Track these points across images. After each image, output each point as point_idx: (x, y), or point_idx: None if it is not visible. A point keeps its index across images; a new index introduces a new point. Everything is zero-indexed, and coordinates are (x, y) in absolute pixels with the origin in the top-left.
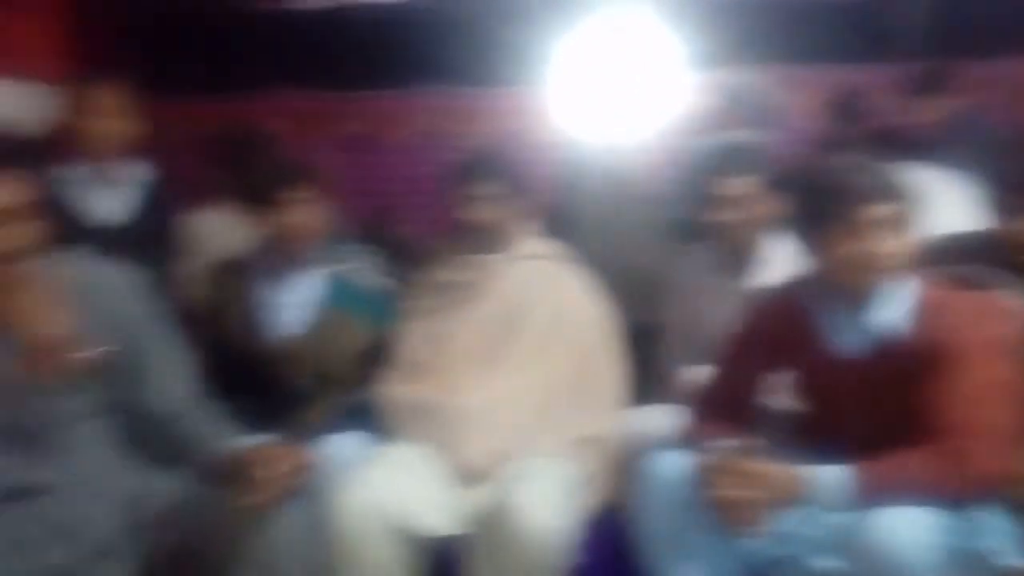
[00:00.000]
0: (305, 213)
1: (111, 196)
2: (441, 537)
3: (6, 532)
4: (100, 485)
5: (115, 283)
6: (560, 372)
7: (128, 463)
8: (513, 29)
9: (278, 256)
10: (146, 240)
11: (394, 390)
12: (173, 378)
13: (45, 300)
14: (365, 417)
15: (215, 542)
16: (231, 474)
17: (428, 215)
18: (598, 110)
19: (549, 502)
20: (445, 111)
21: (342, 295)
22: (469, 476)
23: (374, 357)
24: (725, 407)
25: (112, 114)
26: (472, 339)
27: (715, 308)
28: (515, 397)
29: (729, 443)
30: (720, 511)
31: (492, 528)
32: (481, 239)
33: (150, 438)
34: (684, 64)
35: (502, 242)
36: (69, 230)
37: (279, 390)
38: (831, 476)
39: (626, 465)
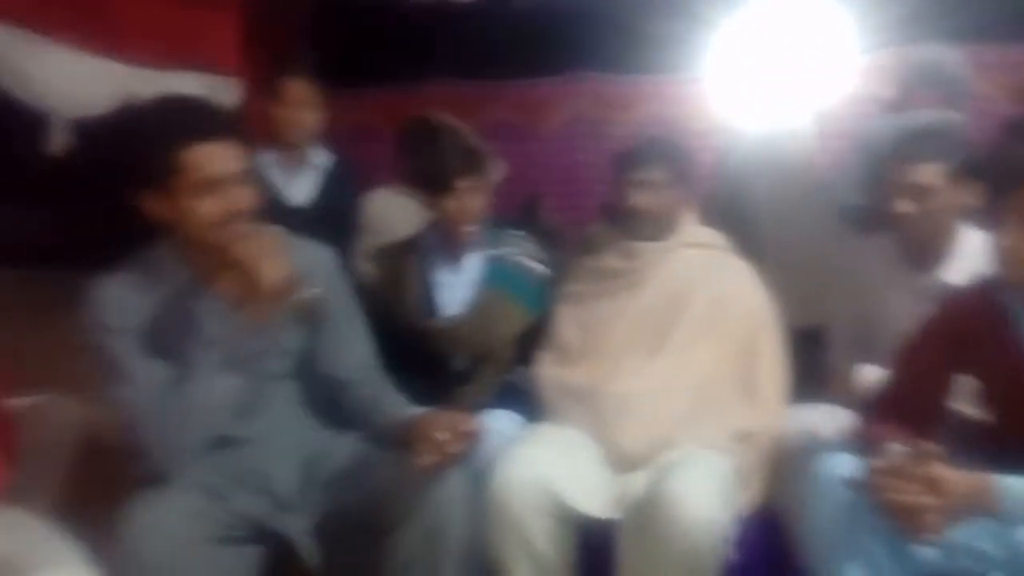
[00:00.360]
0: (475, 199)
1: (297, 180)
2: (594, 520)
3: (202, 478)
4: (287, 441)
5: (311, 257)
6: (719, 364)
7: (310, 424)
8: (669, 14)
9: (445, 238)
10: (328, 221)
11: (547, 372)
12: (354, 348)
13: (269, 247)
14: (519, 397)
15: (385, 503)
16: (403, 438)
17: (580, 203)
18: (763, 94)
19: (706, 494)
20: (598, 98)
21: (502, 278)
22: (623, 462)
23: (530, 339)
24: (903, 410)
25: (302, 104)
26: (629, 326)
27: (894, 305)
28: (672, 386)
29: (906, 447)
30: (894, 516)
31: (646, 516)
32: (643, 226)
33: (329, 403)
34: (855, 44)
35: (665, 229)
36: (263, 211)
37: (439, 368)
38: (1021, 489)
39: (785, 464)
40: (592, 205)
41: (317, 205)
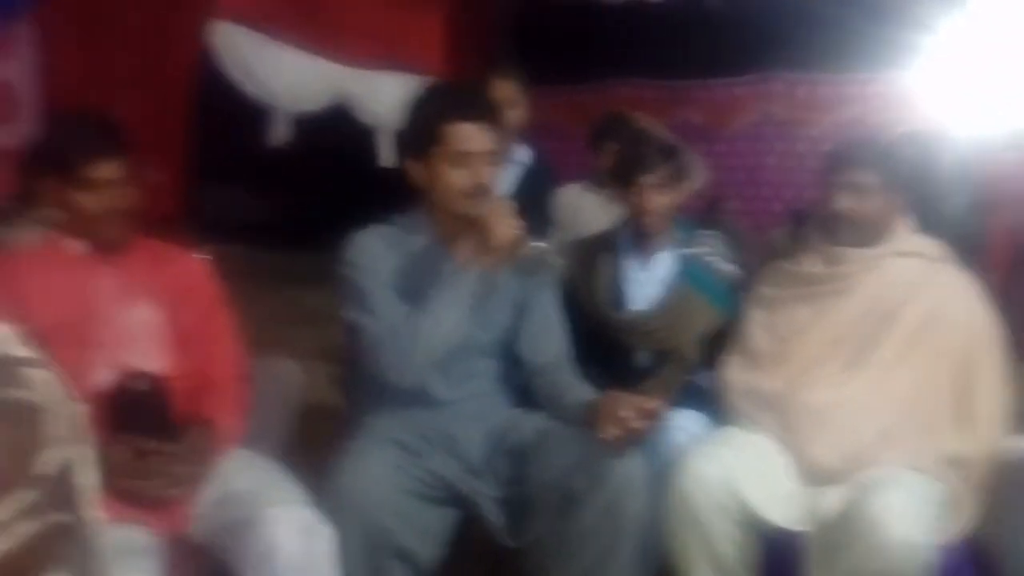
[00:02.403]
0: (662, 196)
1: (500, 175)
2: (781, 529)
3: (399, 434)
4: (476, 411)
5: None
6: (929, 382)
7: (499, 399)
8: (869, 12)
9: (636, 235)
10: (525, 215)
11: (735, 376)
12: (552, 337)
13: (503, 210)
14: (703, 398)
15: (568, 477)
16: (588, 417)
17: (764, 206)
18: (968, 98)
19: (911, 516)
20: (790, 99)
21: (693, 276)
22: (814, 475)
23: (717, 340)
24: None
25: (508, 102)
26: (828, 334)
27: None
28: (874, 402)
29: None
30: None
31: (844, 533)
32: (849, 230)
33: (520, 385)
34: None
35: (873, 236)
36: None
37: (622, 362)
38: None
39: (999, 493)
40: (778, 209)
41: (516, 199)
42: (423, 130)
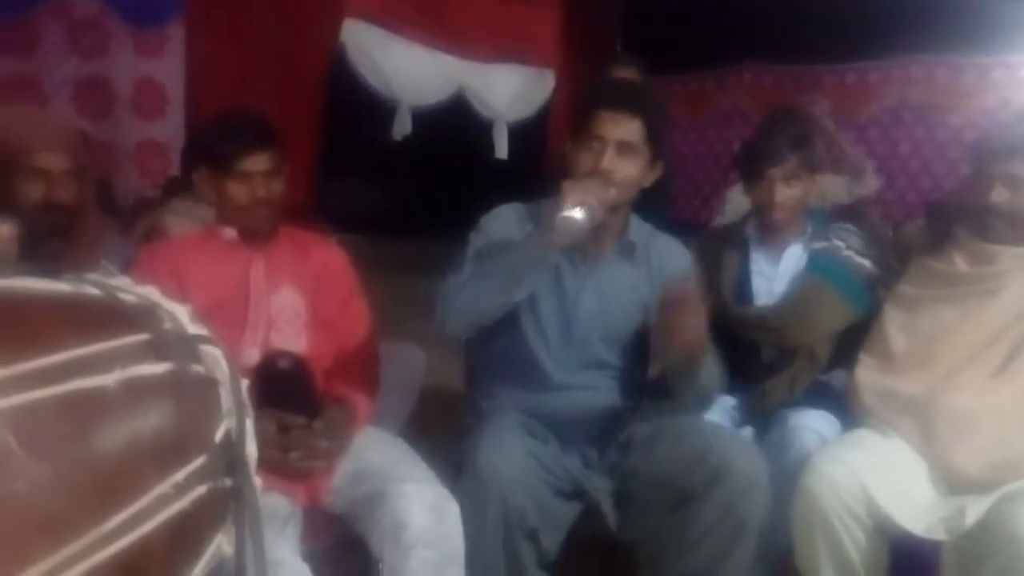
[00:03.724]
0: (785, 189)
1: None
2: (915, 537)
3: (525, 420)
4: (596, 401)
5: (670, 246)
6: None
7: (618, 390)
8: None
9: (764, 227)
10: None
11: (870, 377)
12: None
13: (584, 184)
14: (833, 399)
15: (687, 472)
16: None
17: (900, 196)
18: None
19: None
20: (929, 84)
21: (826, 270)
22: (955, 482)
23: (849, 338)
24: None
25: None
26: (978, 338)
27: None
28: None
29: None
30: None
31: (984, 544)
32: (1005, 226)
33: (642, 378)
34: None
35: None
36: None
37: (748, 358)
38: None
39: None
40: (912, 200)
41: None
42: (580, 119)
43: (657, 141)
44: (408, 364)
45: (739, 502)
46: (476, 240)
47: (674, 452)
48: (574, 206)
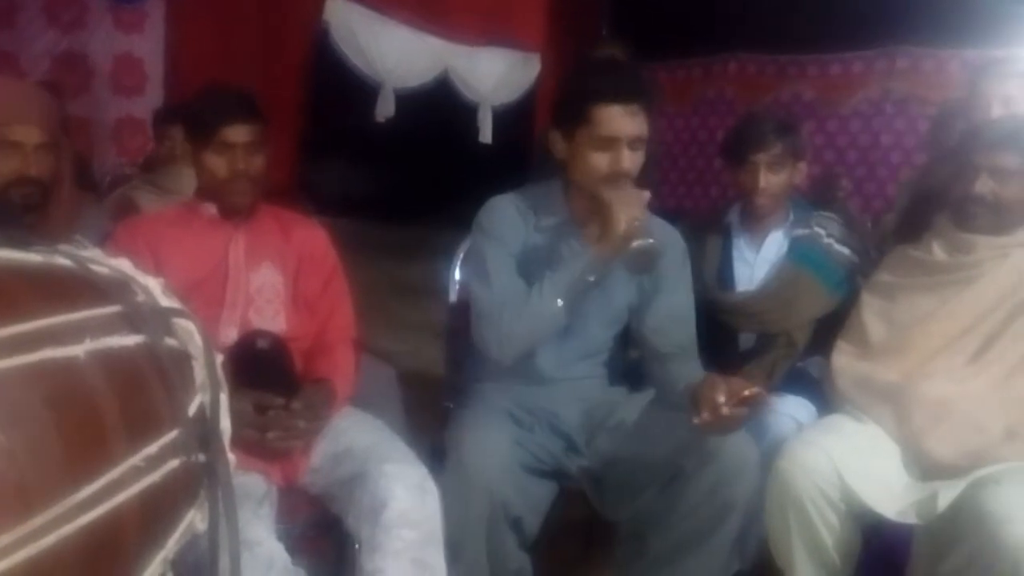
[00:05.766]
0: (770, 175)
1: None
2: (888, 521)
3: (510, 407)
4: (585, 389)
5: (665, 233)
6: None
7: (606, 378)
8: None
9: (747, 214)
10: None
11: (847, 364)
12: (682, 327)
13: (630, 199)
14: (811, 385)
15: (674, 455)
16: (690, 400)
17: (879, 188)
18: None
19: None
20: (915, 74)
21: (806, 257)
22: (929, 468)
23: (827, 324)
24: None
25: None
26: (950, 325)
27: None
28: (999, 396)
29: None
30: None
31: (956, 528)
32: (988, 216)
33: (627, 366)
34: None
35: (1009, 222)
36: None
37: (726, 343)
38: None
39: None
40: (892, 192)
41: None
42: (573, 106)
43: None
44: (382, 383)
45: (727, 483)
46: (488, 247)
47: (668, 434)
48: (635, 231)
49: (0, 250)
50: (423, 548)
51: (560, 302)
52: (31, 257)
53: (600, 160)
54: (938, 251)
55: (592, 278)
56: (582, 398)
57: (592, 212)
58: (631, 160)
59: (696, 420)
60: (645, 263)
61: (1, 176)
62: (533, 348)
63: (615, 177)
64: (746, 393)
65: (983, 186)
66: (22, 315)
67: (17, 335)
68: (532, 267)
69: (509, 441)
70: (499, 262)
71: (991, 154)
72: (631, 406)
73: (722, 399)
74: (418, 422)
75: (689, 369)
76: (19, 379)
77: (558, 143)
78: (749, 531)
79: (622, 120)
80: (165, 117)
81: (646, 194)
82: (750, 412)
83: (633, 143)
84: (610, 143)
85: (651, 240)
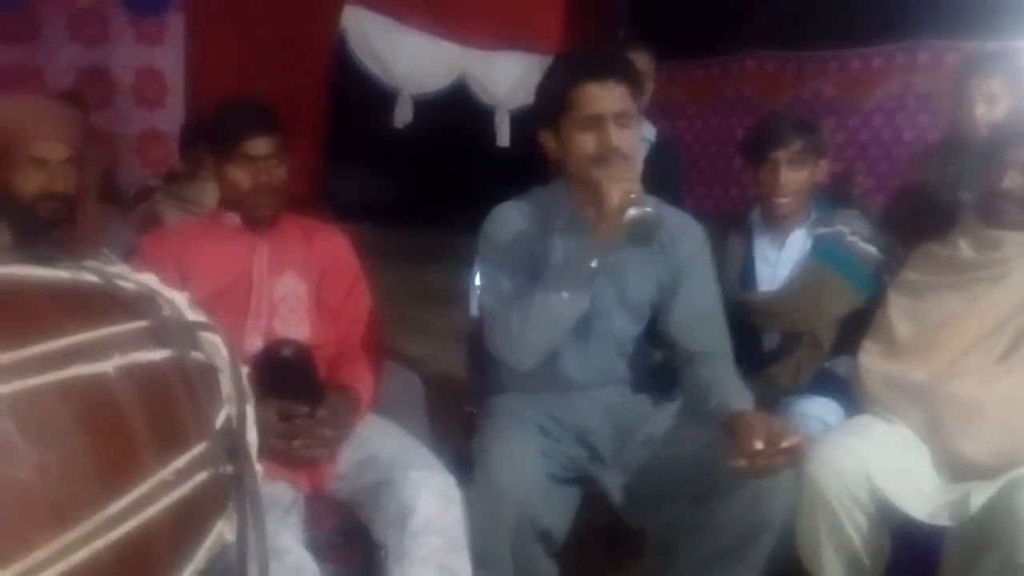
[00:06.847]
0: (790, 173)
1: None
2: (918, 523)
3: (537, 417)
4: (612, 399)
5: (685, 225)
6: None
7: (633, 384)
8: None
9: (769, 212)
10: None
11: (874, 364)
12: (709, 324)
13: (622, 173)
14: (838, 386)
15: (707, 470)
16: (726, 428)
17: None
18: None
19: None
20: (937, 69)
21: (831, 257)
22: (960, 469)
23: (853, 324)
24: None
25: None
26: (984, 325)
27: None
28: None
29: None
30: None
31: (988, 530)
32: (1017, 212)
33: (656, 373)
34: None
35: None
36: None
37: (753, 345)
38: None
39: None
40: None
41: (644, 179)
42: (552, 98)
43: (638, 105)
44: (407, 389)
45: (763, 501)
46: (493, 255)
47: (700, 452)
48: (629, 203)
49: (29, 268)
50: (449, 555)
51: (566, 294)
52: (59, 274)
53: (587, 141)
54: (965, 248)
55: (595, 263)
56: (608, 407)
57: (589, 197)
58: (619, 136)
59: (732, 463)
60: (645, 232)
61: (28, 192)
62: (551, 349)
63: (604, 155)
64: (785, 445)
65: (1011, 181)
66: (52, 333)
67: (47, 352)
68: (539, 264)
69: (536, 452)
70: (505, 269)
71: (1018, 149)
72: (659, 419)
73: (760, 446)
74: (442, 427)
75: (721, 373)
76: (50, 396)
77: (549, 142)
78: (782, 550)
79: (601, 97)
80: (190, 135)
81: (637, 165)
82: (788, 461)
83: (619, 118)
84: (594, 122)
85: (648, 208)
